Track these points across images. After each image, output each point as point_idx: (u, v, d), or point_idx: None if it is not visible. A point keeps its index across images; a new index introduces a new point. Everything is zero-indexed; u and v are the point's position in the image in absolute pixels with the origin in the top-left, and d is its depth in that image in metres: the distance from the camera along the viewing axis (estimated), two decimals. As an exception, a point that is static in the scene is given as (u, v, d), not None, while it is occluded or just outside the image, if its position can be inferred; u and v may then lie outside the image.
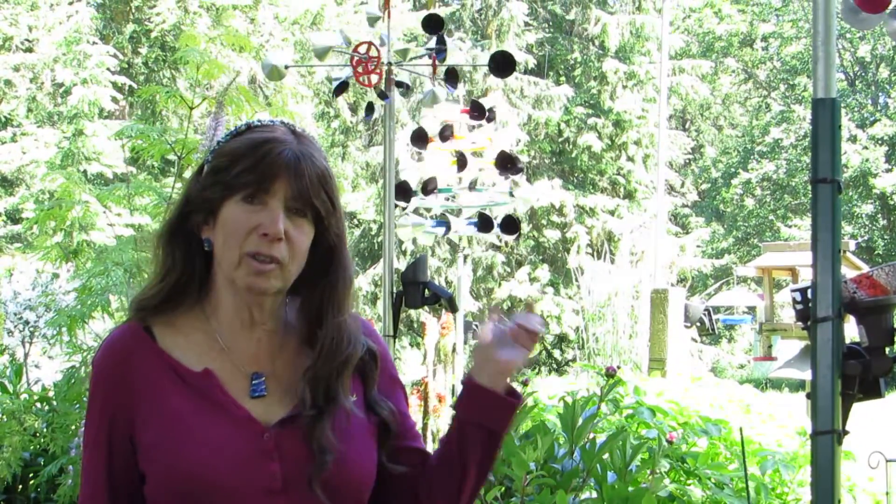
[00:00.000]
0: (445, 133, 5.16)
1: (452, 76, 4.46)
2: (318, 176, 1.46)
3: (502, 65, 4.33)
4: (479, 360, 1.49)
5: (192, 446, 1.41)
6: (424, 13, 4.43)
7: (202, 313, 1.51)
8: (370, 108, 4.52)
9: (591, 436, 3.37)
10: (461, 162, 5.20)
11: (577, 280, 16.14)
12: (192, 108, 3.50)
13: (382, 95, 4.28)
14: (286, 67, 4.29)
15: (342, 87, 4.42)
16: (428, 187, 5.03)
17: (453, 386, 6.57)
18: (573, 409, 3.29)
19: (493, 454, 1.52)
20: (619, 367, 3.59)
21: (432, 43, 4.26)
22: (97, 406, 1.49)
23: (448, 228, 5.24)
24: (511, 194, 5.58)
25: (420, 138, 5.09)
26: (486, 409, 1.49)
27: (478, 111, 5.16)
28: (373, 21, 4.34)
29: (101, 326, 3.52)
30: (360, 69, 4.17)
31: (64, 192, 3.55)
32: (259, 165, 1.44)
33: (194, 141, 3.45)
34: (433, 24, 4.32)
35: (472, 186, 5.22)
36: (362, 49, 4.18)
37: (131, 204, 3.53)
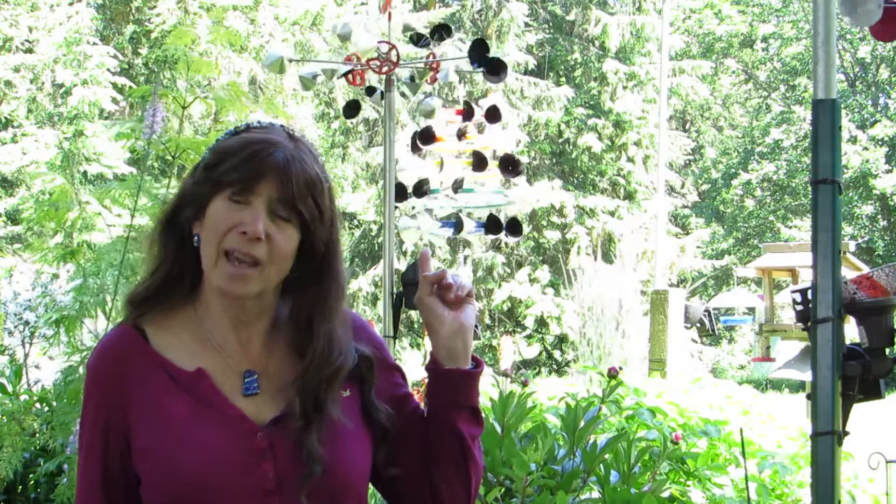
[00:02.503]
0: (457, 133, 5.17)
1: (494, 114, 4.58)
2: (307, 181, 1.45)
3: (495, 69, 4.35)
4: (438, 329, 1.51)
5: (186, 447, 1.41)
6: (424, 14, 4.43)
7: (194, 313, 1.51)
8: (355, 106, 4.57)
9: (592, 438, 3.37)
10: (478, 161, 5.17)
11: (571, 280, 16.15)
12: (183, 108, 3.50)
13: (370, 91, 4.36)
14: (290, 61, 4.30)
15: (354, 109, 4.50)
16: (422, 188, 5.02)
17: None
18: (575, 411, 3.28)
19: (481, 424, 1.57)
20: (620, 369, 3.58)
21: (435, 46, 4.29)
22: (92, 408, 1.49)
23: (459, 229, 5.23)
24: (502, 193, 5.55)
25: (425, 138, 5.08)
26: (462, 388, 1.53)
27: (469, 113, 5.17)
28: (344, 38, 4.38)
29: (99, 327, 3.52)
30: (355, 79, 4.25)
31: (60, 194, 3.55)
32: (247, 164, 1.44)
33: (187, 140, 3.45)
34: (439, 30, 4.36)
35: (458, 187, 5.19)
36: (353, 59, 4.24)
37: (123, 203, 3.53)
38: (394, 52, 4.19)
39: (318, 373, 1.47)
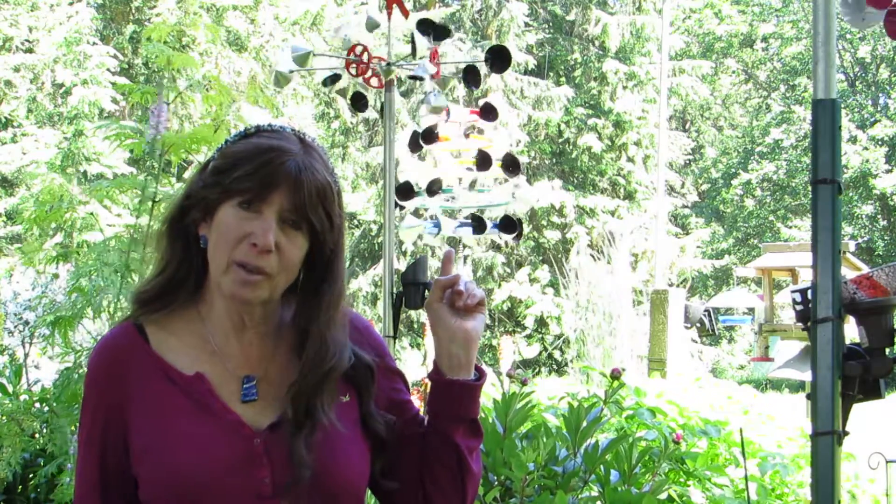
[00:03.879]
0: (432, 133, 5.12)
1: (473, 74, 4.40)
2: (318, 190, 1.44)
3: (499, 60, 4.31)
4: (443, 336, 1.51)
5: (183, 451, 1.41)
6: (424, 14, 4.42)
7: (197, 314, 1.51)
8: (361, 100, 4.48)
9: (594, 438, 3.37)
10: (483, 161, 5.13)
11: (570, 280, 16.16)
12: (167, 104, 3.50)
13: (360, 107, 4.33)
14: (290, 72, 4.27)
15: (334, 79, 4.40)
16: (433, 188, 5.01)
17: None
18: (578, 411, 3.28)
19: (480, 436, 1.55)
20: (623, 370, 3.57)
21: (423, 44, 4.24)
22: (91, 408, 1.49)
23: (439, 229, 5.22)
24: (487, 191, 5.54)
25: (428, 138, 5.07)
26: (461, 401, 1.51)
27: (490, 113, 5.13)
28: (371, 27, 4.32)
29: (97, 327, 3.52)
30: (352, 71, 4.18)
31: (48, 193, 3.54)
32: (259, 173, 1.42)
33: (172, 137, 3.43)
34: (428, 27, 4.31)
35: (438, 188, 5.18)
36: (358, 50, 4.17)
37: (119, 202, 3.52)
38: (365, 55, 4.17)
39: (311, 376, 1.46)
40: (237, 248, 1.42)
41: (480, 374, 1.54)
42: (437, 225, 5.19)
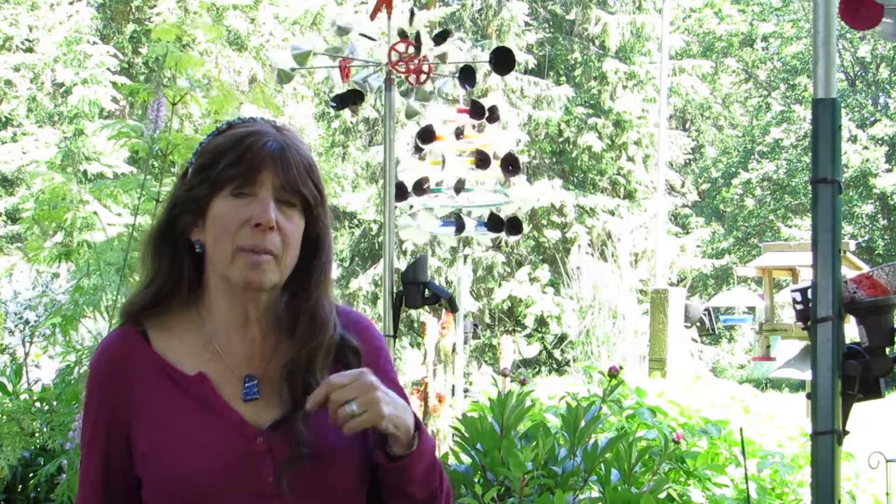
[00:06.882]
0: (428, 133, 5.13)
1: (468, 74, 4.40)
2: (305, 165, 1.47)
3: (502, 62, 4.31)
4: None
5: (186, 451, 1.41)
6: (424, 13, 4.41)
7: (197, 315, 1.51)
8: (353, 98, 4.41)
9: (593, 437, 3.36)
10: (483, 160, 5.13)
11: (570, 279, 16.16)
12: (173, 104, 3.50)
13: (351, 101, 4.28)
14: (293, 70, 4.27)
15: (343, 102, 4.37)
16: (422, 186, 5.02)
17: (453, 386, 6.58)
18: (576, 411, 3.28)
19: (434, 480, 1.51)
20: (620, 368, 3.57)
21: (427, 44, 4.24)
22: (94, 409, 1.49)
23: (461, 229, 5.22)
24: (503, 192, 5.55)
25: (425, 137, 5.08)
26: (398, 477, 1.47)
27: (477, 111, 5.15)
28: (343, 32, 4.32)
29: (98, 326, 3.52)
30: (400, 67, 4.15)
31: (52, 193, 3.54)
32: (244, 158, 1.44)
33: (179, 137, 3.44)
34: (439, 37, 4.31)
35: (460, 187, 5.18)
36: (400, 48, 4.16)
37: (119, 200, 3.52)
38: (411, 49, 4.14)
39: (302, 352, 1.47)
40: (239, 233, 1.43)
41: (419, 443, 1.46)
42: (452, 223, 5.20)
